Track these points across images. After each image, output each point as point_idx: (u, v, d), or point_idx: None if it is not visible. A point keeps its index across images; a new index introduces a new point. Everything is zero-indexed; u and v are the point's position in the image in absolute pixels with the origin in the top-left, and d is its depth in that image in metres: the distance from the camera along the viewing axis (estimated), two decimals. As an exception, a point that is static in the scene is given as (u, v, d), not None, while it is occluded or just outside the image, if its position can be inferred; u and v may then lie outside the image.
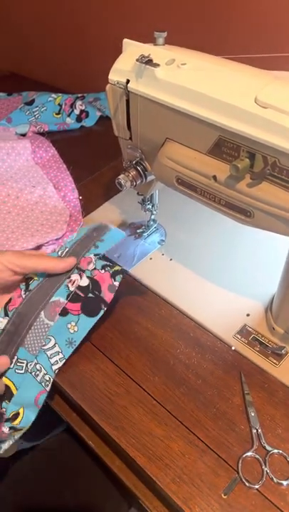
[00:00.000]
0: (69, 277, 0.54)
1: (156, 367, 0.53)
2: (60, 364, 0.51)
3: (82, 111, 0.97)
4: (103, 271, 0.54)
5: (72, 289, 0.53)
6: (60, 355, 0.51)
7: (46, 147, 0.87)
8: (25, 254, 0.54)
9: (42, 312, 0.53)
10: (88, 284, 0.53)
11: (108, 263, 0.55)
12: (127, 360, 0.54)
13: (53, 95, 0.97)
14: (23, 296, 0.55)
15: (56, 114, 0.96)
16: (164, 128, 0.49)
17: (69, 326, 0.52)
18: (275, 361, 0.52)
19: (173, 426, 0.48)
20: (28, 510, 0.62)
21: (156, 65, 0.46)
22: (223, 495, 0.43)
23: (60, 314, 0.52)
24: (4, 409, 0.51)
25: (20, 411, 0.50)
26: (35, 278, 0.56)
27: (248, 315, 0.57)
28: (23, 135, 0.92)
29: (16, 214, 0.74)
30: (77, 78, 1.10)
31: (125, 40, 0.51)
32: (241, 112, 0.41)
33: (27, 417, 0.50)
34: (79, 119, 0.96)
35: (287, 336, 0.52)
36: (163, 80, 0.46)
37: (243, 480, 0.43)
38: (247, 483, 0.43)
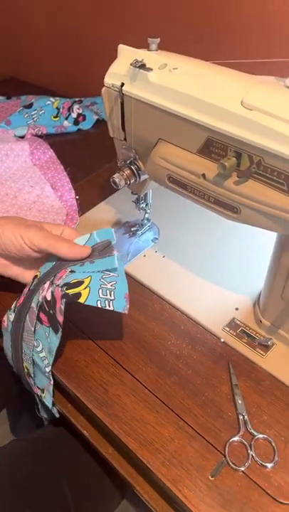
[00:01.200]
0: (44, 283, 0.52)
1: (149, 358, 0.55)
2: (49, 369, 0.52)
3: (79, 114, 0.99)
4: (60, 289, 0.49)
5: (40, 299, 0.51)
6: (46, 361, 0.52)
7: (44, 149, 0.90)
8: (45, 234, 0.53)
9: (27, 316, 0.53)
10: (50, 300, 0.50)
11: (72, 282, 0.49)
12: (121, 352, 0.56)
13: (51, 99, 1.00)
14: (25, 295, 0.55)
15: (54, 117, 0.99)
16: (157, 129, 0.52)
17: (46, 334, 0.51)
18: (261, 352, 0.54)
19: (163, 413, 0.50)
20: (24, 499, 0.64)
21: (149, 70, 0.49)
22: (210, 477, 0.45)
23: (38, 321, 0.52)
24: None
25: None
26: (38, 275, 0.55)
27: (236, 309, 0.59)
28: (22, 137, 0.95)
29: (14, 213, 0.76)
30: (74, 83, 1.12)
31: (120, 46, 0.54)
32: (228, 114, 0.43)
33: (47, 399, 0.54)
34: (76, 122, 0.99)
35: (274, 328, 0.55)
36: (155, 83, 0.48)
37: (230, 463, 0.46)
38: (233, 466, 0.45)
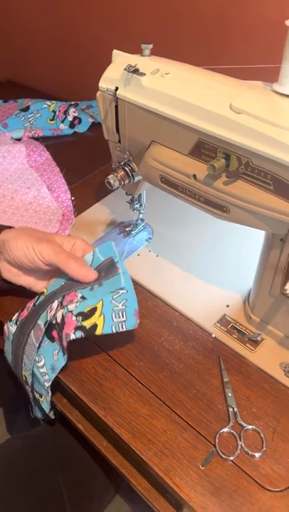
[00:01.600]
0: (52, 302, 0.53)
1: (142, 353, 0.57)
2: (48, 384, 0.53)
3: (75, 117, 1.01)
4: (74, 318, 0.50)
5: (48, 318, 0.52)
6: (47, 377, 0.53)
7: (40, 151, 0.92)
8: (56, 250, 0.53)
9: (32, 332, 0.53)
10: (60, 322, 0.51)
11: (86, 311, 0.50)
12: (115, 347, 0.57)
13: (48, 102, 1.02)
14: (29, 310, 0.55)
15: (50, 120, 1.01)
16: (150, 131, 0.53)
17: (54, 352, 0.52)
18: (251, 347, 0.56)
19: (156, 406, 0.52)
20: (19, 494, 0.65)
21: (142, 74, 0.51)
22: (200, 466, 0.47)
23: (49, 339, 0.53)
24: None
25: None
26: (45, 292, 0.55)
27: (227, 306, 0.61)
28: (19, 140, 0.97)
29: (12, 213, 0.78)
30: (70, 87, 1.14)
31: (115, 51, 0.56)
32: (218, 117, 0.45)
33: (44, 405, 0.55)
34: (72, 125, 1.01)
35: (263, 324, 0.57)
36: (148, 87, 0.50)
37: (220, 453, 0.47)
38: (223, 456, 0.47)
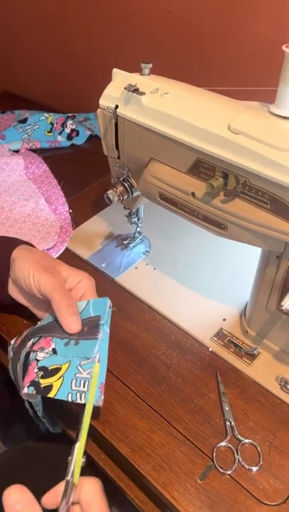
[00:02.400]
0: (29, 340, 0.52)
1: (140, 366, 0.57)
2: (41, 414, 0.53)
3: (72, 130, 1.02)
4: (36, 369, 0.49)
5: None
6: (38, 408, 0.53)
7: (38, 163, 0.92)
8: (54, 285, 0.51)
9: (18, 363, 0.53)
10: (23, 364, 0.51)
11: (50, 369, 0.48)
12: (113, 361, 0.58)
13: (45, 114, 1.03)
14: (21, 339, 0.55)
15: (48, 132, 1.02)
16: (149, 149, 0.55)
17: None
18: (247, 361, 0.57)
19: (154, 419, 0.52)
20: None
21: (142, 94, 0.52)
22: (198, 480, 0.47)
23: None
24: None
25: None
26: (38, 324, 0.55)
27: (224, 319, 0.62)
28: (16, 151, 0.97)
29: (9, 225, 0.78)
30: (68, 99, 1.15)
31: (115, 70, 0.57)
32: (216, 137, 0.46)
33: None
34: (69, 137, 1.02)
35: (259, 338, 0.58)
36: (148, 106, 0.51)
37: (217, 467, 0.48)
38: (220, 470, 0.48)
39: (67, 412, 0.55)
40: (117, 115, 0.55)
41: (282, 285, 0.50)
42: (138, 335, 0.61)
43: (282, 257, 0.48)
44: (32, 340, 0.51)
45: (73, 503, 0.39)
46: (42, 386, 0.48)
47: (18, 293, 0.58)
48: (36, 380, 0.48)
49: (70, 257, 0.74)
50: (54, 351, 0.50)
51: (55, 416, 0.58)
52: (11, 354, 0.55)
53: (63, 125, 1.02)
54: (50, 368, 0.49)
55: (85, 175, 0.92)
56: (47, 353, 0.50)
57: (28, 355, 0.51)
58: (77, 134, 1.02)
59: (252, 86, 0.75)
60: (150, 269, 0.71)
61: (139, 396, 0.54)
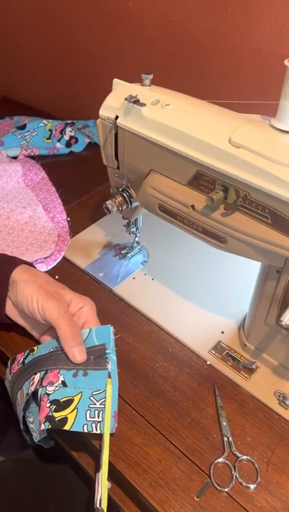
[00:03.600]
0: (35, 373, 0.51)
1: (137, 379, 0.57)
2: (37, 439, 0.53)
3: (71, 137, 1.02)
4: (48, 404, 0.48)
5: (29, 391, 0.50)
6: (35, 434, 0.53)
7: (36, 170, 0.92)
8: (60, 312, 0.51)
9: (19, 393, 0.53)
10: (39, 401, 0.49)
11: (62, 401, 0.48)
12: (110, 373, 0.57)
13: (44, 121, 1.02)
14: (19, 366, 0.54)
15: (47, 139, 1.01)
16: (149, 160, 0.54)
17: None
18: (246, 375, 0.56)
19: (151, 434, 0.51)
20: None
21: (143, 105, 0.52)
22: (195, 497, 0.46)
23: (36, 403, 0.52)
24: None
25: None
26: (35, 350, 0.54)
27: (222, 332, 0.61)
28: (15, 158, 0.97)
29: (7, 233, 0.78)
30: (67, 105, 1.15)
31: (115, 80, 0.57)
32: (217, 151, 0.46)
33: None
34: (68, 144, 1.02)
35: (258, 352, 0.57)
36: (148, 118, 0.51)
37: (214, 484, 0.47)
38: (218, 487, 0.47)
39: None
40: (117, 126, 0.55)
41: (281, 300, 0.50)
42: (135, 347, 0.60)
43: (282, 272, 0.48)
44: (39, 375, 0.50)
45: None
46: (57, 420, 0.47)
47: (17, 314, 0.57)
48: (50, 414, 0.47)
49: (67, 266, 0.73)
50: (64, 384, 0.49)
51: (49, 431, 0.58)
52: (9, 377, 0.54)
53: (62, 132, 1.02)
54: (62, 400, 0.48)
55: (84, 182, 0.91)
56: (56, 387, 0.49)
57: (37, 391, 0.50)
58: (76, 141, 1.02)
59: (252, 98, 0.75)
60: (148, 279, 0.70)
61: (136, 410, 0.54)
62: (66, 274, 0.72)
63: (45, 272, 0.72)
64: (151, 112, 0.51)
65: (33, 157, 0.97)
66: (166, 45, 0.84)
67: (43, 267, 0.72)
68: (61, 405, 0.48)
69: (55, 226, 0.80)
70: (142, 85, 0.56)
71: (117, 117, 0.54)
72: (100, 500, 0.44)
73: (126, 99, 0.52)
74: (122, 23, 0.89)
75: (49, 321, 0.51)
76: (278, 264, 0.47)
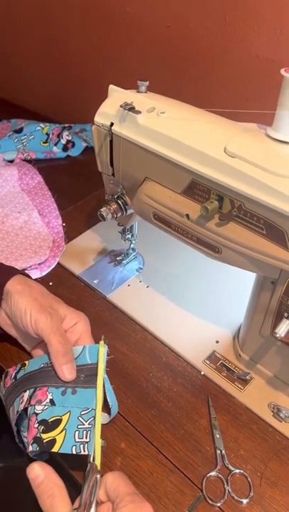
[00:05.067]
0: (24, 391, 0.50)
1: (130, 389, 0.56)
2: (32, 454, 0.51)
3: (68, 141, 1.01)
4: (36, 424, 0.46)
5: (19, 409, 0.49)
6: (30, 448, 0.50)
7: (33, 174, 0.91)
8: (52, 328, 0.50)
9: (10, 408, 0.51)
10: (27, 420, 0.48)
11: (50, 421, 0.46)
12: (102, 383, 0.57)
13: (41, 125, 1.02)
14: (11, 381, 0.53)
15: (43, 142, 1.01)
16: (144, 168, 0.54)
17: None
18: (240, 386, 0.56)
19: (143, 446, 0.51)
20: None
21: (138, 112, 0.51)
22: (187, 512, 0.46)
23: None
24: None
25: None
26: (26, 364, 0.52)
27: (217, 342, 0.61)
28: (11, 161, 0.96)
29: (1, 238, 0.77)
30: (64, 108, 1.15)
31: (111, 86, 0.56)
32: (212, 160, 0.45)
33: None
34: (65, 148, 1.01)
35: (252, 363, 0.56)
36: (143, 125, 0.51)
37: (207, 498, 0.46)
38: (210, 501, 0.46)
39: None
40: (112, 133, 0.54)
41: (276, 311, 0.49)
42: (129, 356, 0.60)
43: (277, 283, 0.47)
44: (28, 392, 0.49)
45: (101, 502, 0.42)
46: (45, 442, 0.46)
47: (10, 325, 0.56)
48: (38, 435, 0.46)
49: (61, 272, 0.72)
50: (52, 402, 0.48)
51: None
52: (3, 391, 0.53)
53: (59, 136, 1.01)
54: (50, 421, 0.47)
55: (80, 187, 0.91)
56: (45, 405, 0.48)
57: (26, 409, 0.49)
58: (73, 145, 1.01)
59: (251, 104, 0.75)
60: (143, 286, 0.69)
61: (128, 421, 0.53)
62: (60, 280, 0.71)
63: (40, 277, 0.71)
64: (146, 120, 0.51)
65: (29, 161, 0.96)
66: (164, 51, 0.84)
67: (37, 273, 0.71)
68: (49, 426, 0.47)
69: (51, 231, 0.79)
70: (137, 92, 0.55)
71: (112, 124, 0.54)
72: (94, 457, 0.44)
73: (121, 106, 0.52)
74: (120, 27, 0.88)
75: (41, 335, 0.50)
76: (273, 276, 0.47)
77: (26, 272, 0.71)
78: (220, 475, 0.48)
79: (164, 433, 0.52)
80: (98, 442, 0.45)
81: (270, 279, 0.48)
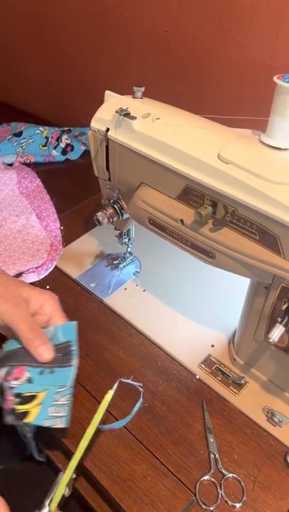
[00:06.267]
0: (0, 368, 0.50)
1: (125, 393, 0.56)
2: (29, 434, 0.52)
3: (67, 144, 1.02)
4: (11, 397, 0.47)
5: None
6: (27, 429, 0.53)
7: (32, 178, 0.92)
8: (17, 321, 0.49)
9: None
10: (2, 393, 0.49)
11: (26, 395, 0.48)
12: (97, 386, 0.57)
13: (41, 128, 1.02)
14: None
15: (43, 146, 1.01)
16: (139, 173, 0.54)
17: None
18: (235, 390, 0.56)
19: (137, 450, 0.51)
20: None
21: (133, 118, 0.51)
22: (180, 516, 0.46)
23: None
24: None
25: None
26: (3, 348, 0.52)
27: (212, 346, 0.61)
28: (10, 165, 0.97)
29: (-1, 241, 0.77)
30: (65, 112, 1.15)
31: (107, 92, 0.57)
32: (206, 166, 0.46)
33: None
34: (64, 152, 1.01)
35: (247, 367, 0.57)
36: (138, 131, 0.51)
37: (200, 502, 0.47)
38: (203, 506, 0.46)
39: (56, 444, 0.54)
40: (107, 138, 0.55)
41: (270, 316, 0.50)
42: (125, 360, 0.60)
43: (271, 289, 0.47)
44: (5, 370, 0.50)
45: None
46: (18, 412, 0.47)
47: None
48: (12, 407, 0.47)
49: (59, 276, 0.73)
50: (29, 380, 0.49)
51: (42, 443, 0.57)
52: None
53: (58, 139, 1.02)
54: (26, 394, 0.48)
55: (79, 191, 0.91)
56: (21, 382, 0.49)
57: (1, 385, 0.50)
58: (72, 148, 1.02)
59: (247, 108, 0.75)
60: (140, 290, 0.70)
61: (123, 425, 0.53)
62: (57, 283, 0.71)
63: (37, 281, 0.71)
64: (141, 126, 0.51)
65: (28, 164, 0.97)
66: (163, 55, 0.84)
67: (34, 277, 0.72)
68: (24, 399, 0.48)
69: (48, 235, 0.79)
70: (133, 97, 0.56)
71: (108, 129, 0.54)
72: (52, 500, 0.46)
73: (117, 111, 0.52)
74: (119, 32, 0.89)
75: (9, 326, 0.50)
76: (266, 281, 0.47)
77: (24, 274, 0.72)
78: (213, 479, 0.48)
79: (159, 437, 0.52)
80: (61, 489, 0.46)
81: (263, 284, 0.48)
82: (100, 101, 0.57)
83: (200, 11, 0.73)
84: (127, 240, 0.70)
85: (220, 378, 0.57)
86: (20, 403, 0.48)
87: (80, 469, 0.55)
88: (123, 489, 0.48)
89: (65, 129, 1.06)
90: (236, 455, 0.50)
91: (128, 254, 0.73)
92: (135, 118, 0.51)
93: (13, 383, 0.48)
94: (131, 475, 0.49)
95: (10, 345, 0.52)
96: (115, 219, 0.61)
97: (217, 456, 0.50)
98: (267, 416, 0.53)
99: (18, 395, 0.48)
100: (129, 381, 0.56)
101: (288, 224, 0.41)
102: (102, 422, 0.51)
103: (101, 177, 0.61)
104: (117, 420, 0.53)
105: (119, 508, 0.47)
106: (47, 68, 1.14)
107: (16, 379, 0.49)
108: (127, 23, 0.86)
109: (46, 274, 0.73)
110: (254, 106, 0.74)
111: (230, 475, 0.48)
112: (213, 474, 0.49)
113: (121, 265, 0.73)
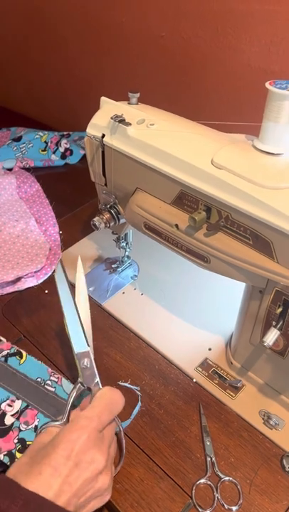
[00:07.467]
0: (17, 398, 0.52)
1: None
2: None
3: (66, 149, 1.02)
4: (15, 440, 0.49)
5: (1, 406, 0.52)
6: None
7: (31, 182, 0.92)
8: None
9: None
10: (5, 430, 0.50)
11: (28, 441, 0.49)
12: (96, 390, 0.57)
13: (40, 133, 1.03)
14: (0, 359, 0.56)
15: (42, 150, 1.02)
16: (135, 179, 0.54)
17: None
18: (231, 393, 0.56)
19: (134, 453, 0.51)
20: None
21: (128, 124, 0.52)
22: (176, 519, 0.46)
23: None
24: None
25: None
26: (24, 357, 0.56)
27: (209, 349, 0.61)
28: (10, 170, 0.97)
29: (-1, 246, 0.78)
30: (64, 117, 1.16)
31: (102, 98, 0.57)
32: (199, 172, 0.46)
33: None
34: (63, 156, 1.02)
35: (243, 370, 0.57)
36: (133, 137, 0.51)
37: (196, 505, 0.47)
38: (200, 509, 0.47)
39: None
40: (103, 144, 0.55)
41: (265, 320, 0.50)
42: (122, 363, 0.60)
43: (265, 293, 0.48)
44: (20, 403, 0.51)
45: None
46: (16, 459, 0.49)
47: None
48: (13, 452, 0.49)
49: (57, 280, 0.73)
50: (35, 428, 0.50)
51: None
52: None
53: (57, 144, 1.02)
54: (28, 443, 0.49)
55: (78, 195, 0.91)
56: (29, 428, 0.50)
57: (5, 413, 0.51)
58: (71, 153, 1.02)
59: (243, 113, 0.75)
60: (138, 294, 0.70)
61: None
62: (56, 288, 0.71)
63: (36, 285, 0.72)
64: (136, 132, 0.52)
65: (28, 169, 0.98)
66: (159, 60, 0.85)
67: (33, 281, 0.72)
68: (26, 448, 0.49)
69: (47, 239, 0.80)
70: (129, 103, 0.56)
71: (103, 135, 0.55)
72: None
73: (112, 118, 0.53)
74: (116, 37, 0.89)
75: None
76: (260, 285, 0.47)
77: (22, 279, 0.72)
78: (209, 482, 0.49)
79: (155, 440, 0.52)
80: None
81: (258, 288, 0.48)
82: (98, 106, 0.58)
83: (196, 17, 0.74)
84: (124, 244, 0.71)
85: (217, 381, 0.57)
86: (20, 450, 0.49)
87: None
88: (120, 492, 0.48)
89: (64, 133, 1.07)
90: (233, 458, 0.51)
91: (126, 258, 0.74)
92: (130, 124, 0.52)
93: (22, 427, 0.50)
94: (128, 478, 0.49)
95: (28, 366, 0.54)
96: (112, 224, 0.62)
97: (213, 459, 0.50)
98: (263, 419, 0.53)
99: (21, 441, 0.49)
100: (126, 385, 0.57)
101: (281, 229, 0.41)
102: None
103: (98, 182, 0.61)
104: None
105: (116, 511, 0.48)
106: (46, 73, 1.15)
107: (27, 423, 0.50)
108: (124, 29, 0.87)
109: (45, 278, 0.73)
110: (249, 110, 0.75)
111: (227, 478, 0.49)
112: (210, 477, 0.49)
113: (119, 269, 0.74)
